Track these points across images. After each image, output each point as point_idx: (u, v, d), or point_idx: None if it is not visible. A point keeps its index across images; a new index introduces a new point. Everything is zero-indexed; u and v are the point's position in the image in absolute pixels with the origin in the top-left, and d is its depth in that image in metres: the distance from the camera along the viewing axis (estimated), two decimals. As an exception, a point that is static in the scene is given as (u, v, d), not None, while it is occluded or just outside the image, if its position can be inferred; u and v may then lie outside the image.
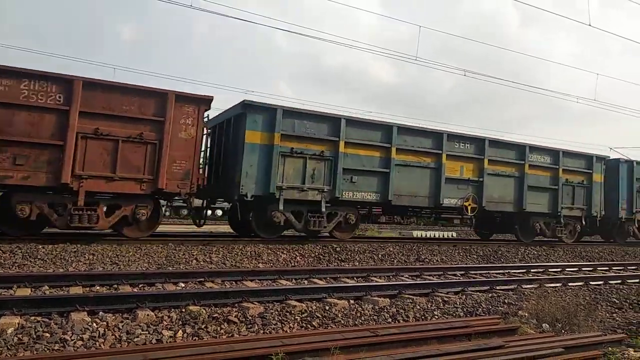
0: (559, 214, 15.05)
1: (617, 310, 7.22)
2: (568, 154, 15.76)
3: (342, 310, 5.97)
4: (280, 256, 9.77)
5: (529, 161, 14.45)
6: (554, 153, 15.19)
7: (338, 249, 10.61)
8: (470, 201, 13.30)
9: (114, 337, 4.42)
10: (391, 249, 11.28)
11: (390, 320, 5.89)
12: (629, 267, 11.92)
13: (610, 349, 4.99)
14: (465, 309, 6.50)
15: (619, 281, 9.42)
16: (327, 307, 5.97)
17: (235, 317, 5.27)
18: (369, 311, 6.04)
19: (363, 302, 6.48)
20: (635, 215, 17.19)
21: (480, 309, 6.54)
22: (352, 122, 11.79)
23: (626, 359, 4.91)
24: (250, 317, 5.32)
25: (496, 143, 14.12)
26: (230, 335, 4.79)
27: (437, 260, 11.05)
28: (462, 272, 9.50)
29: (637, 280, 9.62)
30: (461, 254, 12.02)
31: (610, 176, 16.80)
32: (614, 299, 7.75)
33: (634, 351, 5.19)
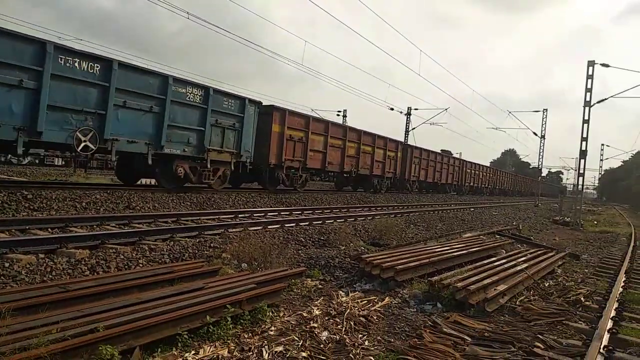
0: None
1: (302, 247, 8.51)
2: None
3: (28, 266, 5.17)
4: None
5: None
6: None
7: (30, 197, 9.10)
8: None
9: None
10: (98, 197, 10.36)
11: (88, 273, 5.44)
12: (316, 211, 14.18)
13: (293, 280, 5.86)
14: (172, 255, 6.54)
15: (307, 223, 11.12)
16: (6, 265, 5.06)
17: None
18: (62, 265, 5.42)
19: (57, 255, 5.76)
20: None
21: (187, 254, 6.70)
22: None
23: (304, 287, 5.86)
24: None
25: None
26: None
27: (149, 208, 10.75)
28: (174, 219, 9.51)
29: (320, 222, 11.54)
30: (175, 200, 12.00)
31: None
32: (301, 238, 9.09)
33: (311, 280, 6.24)
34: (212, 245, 7.39)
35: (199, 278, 5.26)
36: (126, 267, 5.80)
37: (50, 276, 5.11)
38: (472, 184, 42.23)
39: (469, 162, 42.22)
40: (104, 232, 7.27)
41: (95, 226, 7.94)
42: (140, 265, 5.92)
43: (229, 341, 3.81)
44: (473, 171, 42.50)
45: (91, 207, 9.72)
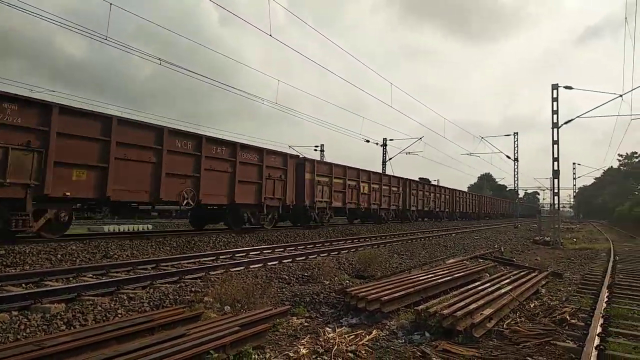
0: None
1: (286, 285, 8.38)
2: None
3: (0, 325, 4.95)
4: None
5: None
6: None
7: (2, 252, 8.81)
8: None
9: None
10: (74, 247, 10.10)
11: (64, 327, 5.23)
12: (298, 247, 14.05)
13: (278, 320, 5.74)
14: (152, 303, 6.36)
15: (290, 260, 11.00)
16: (-23, 325, 4.84)
17: None
18: (37, 321, 5.20)
19: (31, 311, 5.55)
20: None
21: (168, 301, 6.52)
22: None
23: (290, 325, 5.74)
24: None
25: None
26: None
27: (128, 255, 10.51)
28: (153, 265, 9.30)
29: (303, 258, 11.43)
30: (154, 246, 11.78)
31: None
32: (285, 276, 8.96)
33: (297, 318, 6.12)
34: (193, 289, 7.22)
35: (180, 325, 5.11)
36: (104, 318, 5.60)
37: (24, 334, 4.89)
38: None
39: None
40: (81, 283, 7.05)
41: (71, 278, 7.71)
42: (119, 315, 5.73)
43: (213, 389, 3.67)
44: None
45: (67, 259, 9.45)
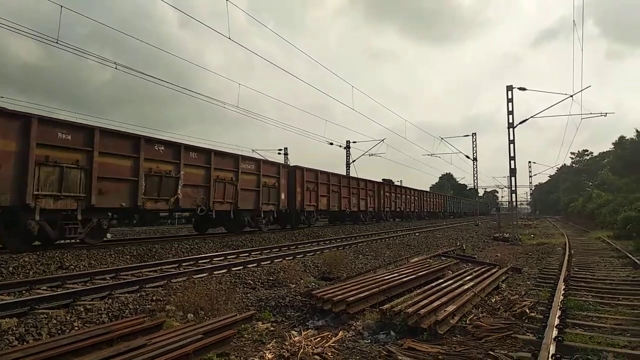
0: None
1: (251, 290, 8.26)
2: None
3: (-56, 344, 4.66)
4: None
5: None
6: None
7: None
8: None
9: None
10: (27, 259, 9.64)
11: (16, 343, 4.97)
12: (264, 251, 13.91)
13: (243, 325, 5.64)
14: (111, 314, 6.13)
15: (255, 264, 10.87)
16: None
17: None
18: (-14, 338, 4.92)
19: (-21, 328, 5.24)
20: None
21: (128, 311, 6.31)
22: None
23: (255, 331, 5.65)
24: None
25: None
26: None
27: (85, 266, 10.12)
28: (112, 275, 8.98)
29: (269, 262, 11.32)
30: (113, 255, 11.39)
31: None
32: (250, 281, 8.85)
33: (262, 323, 6.04)
34: (154, 298, 7.01)
35: (141, 335, 4.93)
36: (59, 332, 5.34)
37: (-29, 352, 4.61)
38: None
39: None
40: (34, 296, 6.72)
41: (24, 291, 7.35)
42: (76, 328, 5.48)
43: (176, 399, 3.56)
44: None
45: (19, 271, 9.01)
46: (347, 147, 40.16)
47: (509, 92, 21.38)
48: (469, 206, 75.37)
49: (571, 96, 20.93)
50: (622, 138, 57.14)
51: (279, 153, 42.47)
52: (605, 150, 72.84)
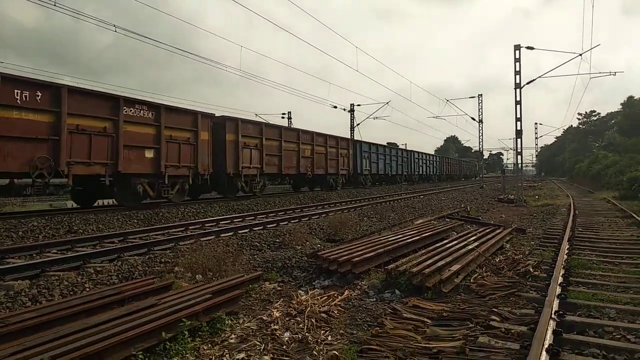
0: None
1: (257, 251, 8.37)
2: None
3: (-40, 304, 4.78)
4: None
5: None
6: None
7: (-42, 232, 8.46)
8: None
9: None
10: (35, 224, 9.78)
11: (30, 304, 5.09)
12: (269, 215, 14.03)
13: (251, 286, 5.74)
14: (121, 276, 6.26)
15: (261, 227, 10.98)
16: None
17: None
18: (0, 299, 5.04)
19: (-7, 289, 5.37)
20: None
21: (137, 273, 6.43)
22: None
23: (263, 291, 5.76)
24: None
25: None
26: None
27: (93, 230, 10.26)
28: (121, 239, 9.12)
29: (274, 225, 11.43)
30: (121, 219, 11.53)
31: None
32: (256, 243, 8.96)
33: (269, 283, 6.14)
34: (163, 260, 7.13)
35: (151, 295, 5.03)
36: (71, 293, 5.47)
37: (-14, 313, 4.74)
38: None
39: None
40: (45, 259, 6.85)
41: (34, 255, 7.48)
42: (87, 289, 5.61)
43: (187, 355, 3.66)
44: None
45: (29, 235, 9.16)
46: (352, 111, 39.79)
47: (517, 52, 20.92)
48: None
49: (580, 55, 20.52)
50: (630, 98, 56.20)
51: (283, 117, 42.20)
52: (613, 111, 71.81)
